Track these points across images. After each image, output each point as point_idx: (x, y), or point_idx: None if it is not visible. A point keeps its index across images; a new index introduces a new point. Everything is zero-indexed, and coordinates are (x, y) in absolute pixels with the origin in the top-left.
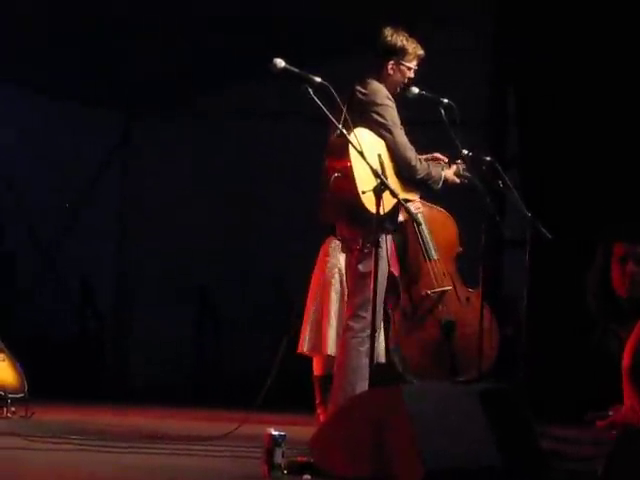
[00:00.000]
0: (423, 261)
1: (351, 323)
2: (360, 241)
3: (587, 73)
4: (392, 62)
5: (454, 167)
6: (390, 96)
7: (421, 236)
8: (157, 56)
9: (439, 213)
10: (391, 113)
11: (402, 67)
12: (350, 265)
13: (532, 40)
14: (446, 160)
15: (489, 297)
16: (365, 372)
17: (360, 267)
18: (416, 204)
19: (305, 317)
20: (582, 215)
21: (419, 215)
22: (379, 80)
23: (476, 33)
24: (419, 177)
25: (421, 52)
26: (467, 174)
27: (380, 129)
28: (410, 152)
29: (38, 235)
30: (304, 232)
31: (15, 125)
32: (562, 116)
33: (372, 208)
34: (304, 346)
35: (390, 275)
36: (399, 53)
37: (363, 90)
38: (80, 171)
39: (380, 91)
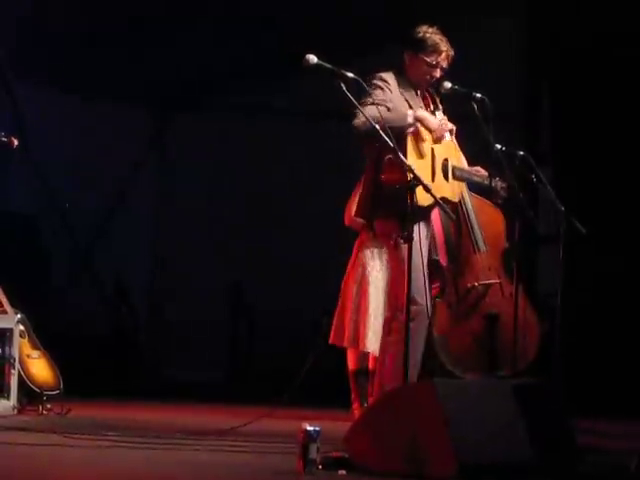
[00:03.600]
0: (472, 252)
1: (403, 322)
2: (394, 236)
3: (622, 67)
4: (409, 52)
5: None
6: (386, 77)
7: (470, 228)
8: (187, 54)
9: (489, 207)
10: (380, 93)
11: (420, 60)
12: (389, 260)
13: (566, 36)
14: (486, 175)
15: (524, 293)
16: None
17: (397, 261)
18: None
19: (342, 311)
20: (616, 209)
21: (469, 205)
22: (398, 71)
23: (511, 28)
24: (357, 129)
25: (445, 49)
26: (504, 194)
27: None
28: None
29: (73, 232)
30: (336, 228)
31: (49, 125)
32: (596, 111)
33: (420, 201)
34: (345, 340)
35: (437, 263)
36: (417, 44)
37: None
38: (114, 170)
39: (377, 73)
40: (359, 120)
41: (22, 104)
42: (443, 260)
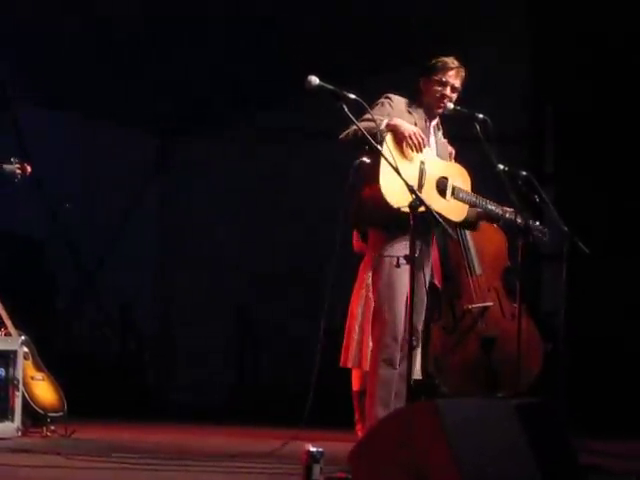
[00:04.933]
0: (466, 276)
1: (377, 337)
2: (395, 258)
3: (625, 89)
4: (423, 78)
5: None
6: (391, 96)
7: (465, 251)
8: (191, 77)
9: (488, 227)
10: (378, 108)
11: (432, 81)
12: (377, 278)
13: (570, 56)
14: (510, 210)
15: (528, 312)
16: (397, 386)
17: (384, 280)
18: None
19: (348, 332)
20: (620, 229)
21: (467, 233)
22: (414, 97)
23: (515, 49)
24: (344, 140)
25: (455, 66)
26: (545, 238)
27: None
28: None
29: (78, 256)
30: (342, 249)
31: (52, 146)
32: (599, 131)
33: (395, 202)
34: (349, 361)
35: (432, 287)
36: (430, 69)
37: None
38: (119, 192)
39: (384, 95)
40: (343, 134)
41: (24, 124)
42: (438, 282)
